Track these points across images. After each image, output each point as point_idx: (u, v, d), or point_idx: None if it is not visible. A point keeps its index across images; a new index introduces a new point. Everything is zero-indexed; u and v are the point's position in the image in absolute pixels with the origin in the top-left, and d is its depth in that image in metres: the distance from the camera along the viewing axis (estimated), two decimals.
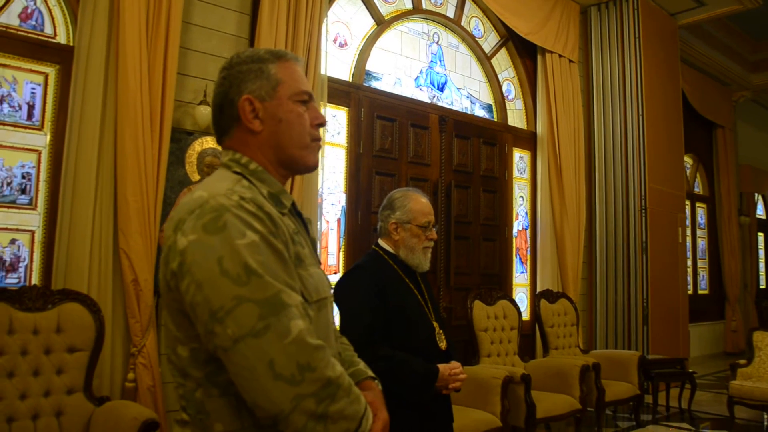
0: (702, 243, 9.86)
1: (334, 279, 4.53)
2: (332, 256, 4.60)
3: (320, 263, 1.36)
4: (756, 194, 11.50)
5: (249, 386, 1.03)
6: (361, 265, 2.35)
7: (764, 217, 12.33)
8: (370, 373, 1.41)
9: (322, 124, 1.32)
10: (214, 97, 1.28)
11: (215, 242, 1.05)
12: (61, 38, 3.41)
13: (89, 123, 3.21)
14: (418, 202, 2.35)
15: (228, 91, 1.25)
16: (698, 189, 9.93)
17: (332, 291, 1.38)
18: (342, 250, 4.65)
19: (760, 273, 11.74)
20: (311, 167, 1.31)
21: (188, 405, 1.14)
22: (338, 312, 2.29)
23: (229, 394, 1.09)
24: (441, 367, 2.20)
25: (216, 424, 1.11)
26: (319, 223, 4.21)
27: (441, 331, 2.33)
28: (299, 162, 1.28)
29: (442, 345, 2.30)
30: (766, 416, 5.45)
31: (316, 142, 1.30)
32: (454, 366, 2.23)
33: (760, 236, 11.92)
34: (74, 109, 3.21)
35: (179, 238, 1.08)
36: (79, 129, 3.20)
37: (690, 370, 5.84)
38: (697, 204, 9.78)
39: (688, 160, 9.37)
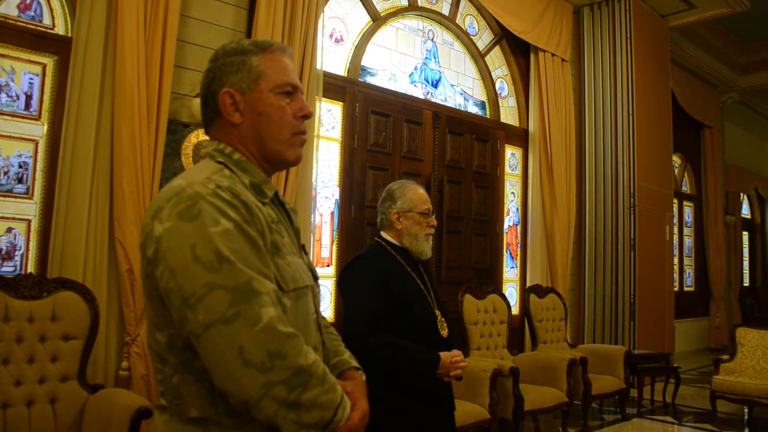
0: (689, 241, 9.99)
1: (324, 271, 4.59)
2: (325, 249, 4.65)
3: (306, 253, 1.36)
4: (741, 194, 11.65)
5: (219, 372, 1.04)
6: (364, 255, 2.41)
7: (749, 217, 12.51)
8: (355, 363, 1.41)
9: (307, 115, 1.29)
10: (200, 89, 1.29)
11: (189, 229, 1.05)
12: (60, 29, 3.43)
13: (86, 114, 3.23)
14: (416, 192, 2.45)
15: (211, 83, 1.25)
16: (686, 188, 10.05)
17: (317, 280, 1.37)
18: (335, 243, 4.70)
19: (744, 271, 11.91)
20: (290, 162, 1.30)
21: (166, 390, 1.15)
22: (342, 301, 2.35)
23: (205, 381, 1.09)
24: (442, 354, 2.25)
25: (191, 410, 1.11)
26: (312, 215, 4.25)
27: (443, 320, 2.39)
28: (277, 156, 1.27)
29: (444, 333, 2.36)
30: (746, 410, 5.56)
31: (299, 135, 1.28)
32: (455, 354, 2.28)
33: (745, 235, 12.09)
34: (71, 100, 3.22)
35: (156, 225, 1.08)
36: (76, 119, 3.21)
37: (674, 365, 5.95)
38: (685, 202, 9.91)
39: (676, 160, 9.49)
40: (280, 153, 1.27)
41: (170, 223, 1.07)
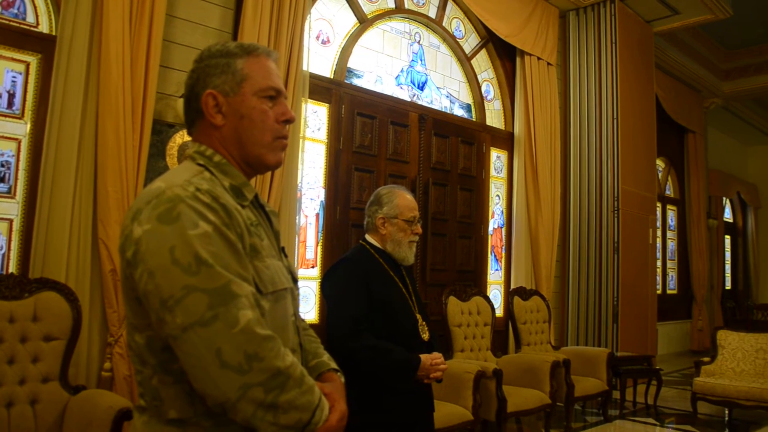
0: (672, 244, 10.09)
1: (308, 273, 4.59)
2: (310, 250, 4.65)
3: (285, 255, 1.37)
4: (724, 198, 11.82)
5: (197, 374, 1.04)
6: (348, 258, 2.43)
7: (731, 221, 12.68)
8: (333, 365, 1.41)
9: (289, 120, 1.30)
10: (184, 90, 1.29)
11: (168, 232, 1.06)
12: (44, 27, 3.40)
13: (70, 113, 3.21)
14: (404, 198, 2.45)
15: (195, 84, 1.25)
16: (669, 192, 10.16)
17: (296, 282, 1.38)
18: (320, 244, 4.70)
19: (726, 274, 12.07)
20: (271, 166, 1.30)
21: (145, 392, 1.15)
22: (325, 303, 2.37)
23: (183, 382, 1.10)
24: (423, 357, 2.27)
25: (170, 411, 1.12)
26: (297, 217, 4.25)
27: (424, 323, 2.42)
28: (258, 160, 1.27)
29: (425, 336, 2.39)
30: (726, 411, 5.63)
31: (280, 140, 1.29)
32: (436, 356, 2.31)
33: (727, 239, 12.26)
34: (55, 99, 3.20)
35: (135, 227, 1.09)
36: (60, 119, 3.19)
37: (657, 368, 6.01)
38: (668, 206, 10.01)
39: (660, 164, 9.58)
40: (261, 156, 1.27)
41: (149, 226, 1.08)
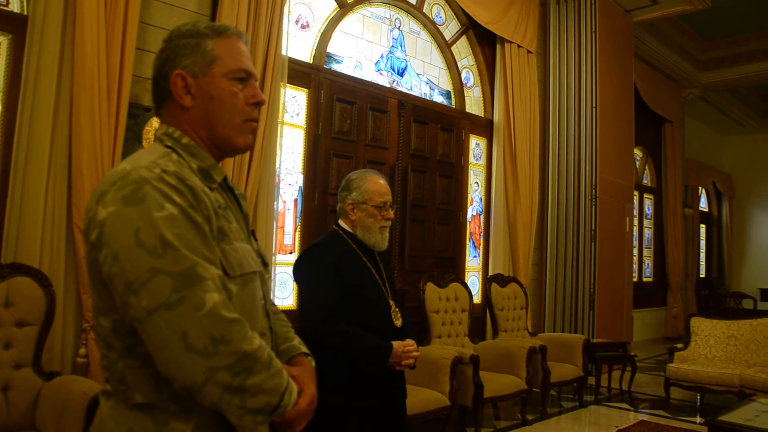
0: (648, 233, 10.24)
1: (286, 258, 4.58)
2: (288, 236, 4.63)
3: (255, 239, 1.36)
4: (700, 187, 11.99)
5: (162, 357, 1.03)
6: (319, 244, 2.40)
7: (706, 210, 12.89)
8: (304, 348, 1.40)
9: (259, 103, 1.28)
10: (153, 70, 1.27)
11: (133, 214, 1.05)
12: (15, 6, 3.32)
13: (43, 95, 3.14)
14: (374, 183, 2.40)
15: (163, 64, 1.23)
16: (646, 181, 10.28)
17: (267, 266, 1.36)
18: (298, 230, 4.69)
19: (701, 263, 12.28)
20: (240, 149, 1.28)
21: (111, 376, 1.14)
22: (297, 288, 2.35)
23: (149, 366, 1.08)
24: (395, 343, 2.26)
25: (136, 395, 1.11)
26: (275, 202, 4.23)
27: (397, 309, 2.40)
28: (227, 142, 1.25)
29: (398, 323, 2.37)
30: (698, 397, 5.75)
31: (250, 122, 1.27)
32: (408, 343, 2.30)
33: (702, 228, 12.46)
34: (27, 81, 3.12)
35: (99, 209, 1.07)
36: (33, 101, 3.12)
37: (631, 354, 6.12)
38: (645, 195, 10.14)
39: (637, 153, 9.69)
40: (231, 139, 1.26)
41: (114, 208, 1.06)
